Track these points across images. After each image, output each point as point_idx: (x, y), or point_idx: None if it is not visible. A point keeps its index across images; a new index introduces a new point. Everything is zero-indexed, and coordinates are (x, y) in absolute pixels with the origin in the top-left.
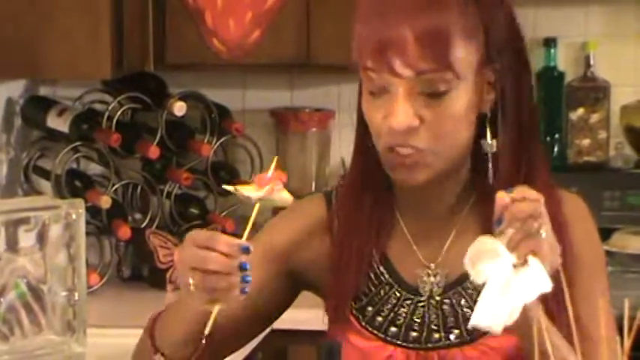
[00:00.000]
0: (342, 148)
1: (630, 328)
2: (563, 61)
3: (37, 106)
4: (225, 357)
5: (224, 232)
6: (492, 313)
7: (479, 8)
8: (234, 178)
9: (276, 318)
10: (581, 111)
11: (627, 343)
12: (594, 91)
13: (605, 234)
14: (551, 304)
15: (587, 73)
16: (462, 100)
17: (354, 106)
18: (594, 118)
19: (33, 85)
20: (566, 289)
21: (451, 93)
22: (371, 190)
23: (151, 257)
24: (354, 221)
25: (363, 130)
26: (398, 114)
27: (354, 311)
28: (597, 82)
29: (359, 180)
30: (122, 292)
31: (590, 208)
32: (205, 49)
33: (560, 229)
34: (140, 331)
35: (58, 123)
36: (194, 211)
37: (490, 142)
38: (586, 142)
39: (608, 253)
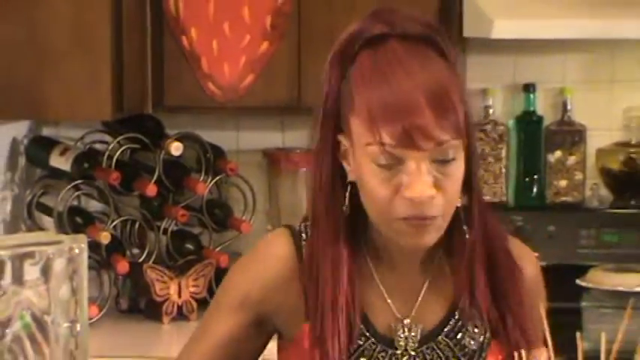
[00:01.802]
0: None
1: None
2: (542, 105)
3: (40, 146)
4: None
5: (218, 267)
6: None
7: (456, 72)
8: (228, 216)
9: None
10: (558, 153)
11: None
12: (571, 135)
13: (581, 270)
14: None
15: (565, 118)
16: (462, 163)
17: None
18: (571, 160)
19: (36, 125)
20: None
21: (458, 160)
22: (346, 245)
23: (148, 290)
24: (332, 277)
25: (331, 190)
26: (418, 186)
27: None
28: (574, 125)
29: (331, 237)
30: (120, 323)
31: (567, 246)
32: (201, 92)
33: (513, 275)
34: None
35: (60, 162)
36: (189, 246)
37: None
38: (563, 182)
39: (585, 289)
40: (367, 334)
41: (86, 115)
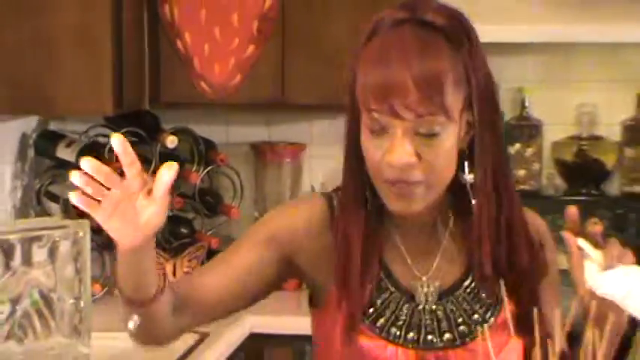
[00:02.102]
0: (312, 176)
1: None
2: (503, 103)
3: (47, 139)
4: (203, 322)
5: (210, 249)
6: None
7: (464, 61)
8: (219, 203)
9: (262, 298)
10: (517, 146)
11: (557, 347)
12: (529, 129)
13: None
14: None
15: (523, 114)
16: (451, 139)
17: (323, 140)
18: (529, 152)
19: (44, 121)
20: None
21: (443, 135)
22: (365, 209)
23: None
24: (357, 236)
25: (355, 159)
26: (397, 152)
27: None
28: (531, 121)
29: (353, 200)
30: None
31: None
32: (194, 90)
33: (532, 247)
34: None
35: (67, 154)
36: (184, 230)
37: (468, 175)
38: (522, 172)
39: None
40: (391, 288)
41: (89, 110)
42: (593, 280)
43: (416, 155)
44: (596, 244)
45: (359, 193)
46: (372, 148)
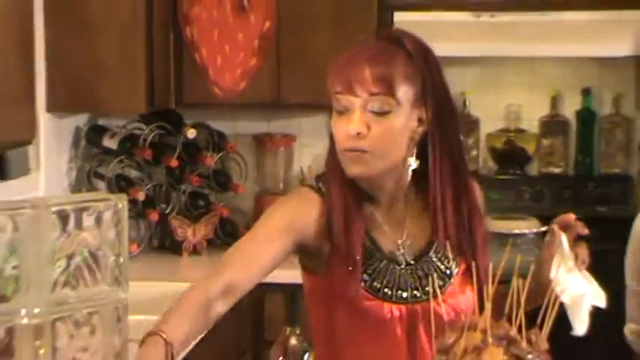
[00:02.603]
0: (302, 161)
1: (493, 281)
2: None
3: (95, 132)
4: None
5: (221, 217)
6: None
7: (419, 66)
8: (229, 181)
9: None
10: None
11: (492, 290)
12: (468, 124)
13: None
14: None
15: (464, 112)
16: (398, 120)
17: (311, 132)
18: (470, 141)
19: (93, 117)
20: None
21: (391, 114)
22: (342, 184)
23: (172, 233)
24: (345, 211)
25: (332, 146)
26: (353, 122)
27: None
28: (471, 117)
29: (332, 177)
30: (152, 256)
31: None
32: (209, 93)
33: (476, 209)
34: (164, 283)
35: (110, 143)
36: (201, 202)
37: (414, 162)
38: None
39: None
40: (378, 255)
41: (128, 109)
42: (555, 274)
43: (366, 127)
44: (573, 242)
45: (337, 174)
46: (336, 126)
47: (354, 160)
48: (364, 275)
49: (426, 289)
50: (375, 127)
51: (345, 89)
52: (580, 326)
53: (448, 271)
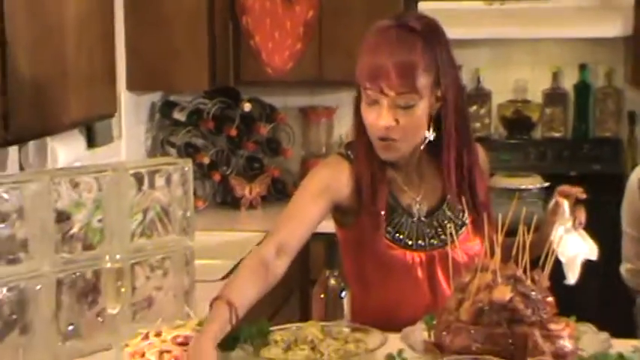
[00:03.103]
0: (340, 129)
1: (502, 229)
2: (465, 79)
3: (168, 107)
4: None
5: (273, 177)
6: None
7: (433, 52)
8: (279, 147)
9: None
10: (475, 107)
11: (501, 237)
12: (482, 96)
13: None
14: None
15: (478, 86)
16: (421, 110)
17: (348, 105)
18: (482, 111)
19: (165, 94)
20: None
21: (415, 106)
22: (369, 152)
23: (232, 191)
24: (371, 175)
25: (359, 122)
26: (383, 118)
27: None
28: (484, 91)
29: (359, 146)
30: (215, 210)
31: None
32: (263, 72)
33: (475, 163)
34: (226, 233)
35: (180, 116)
36: (256, 165)
37: (430, 134)
38: (477, 124)
39: (491, 188)
40: (399, 210)
41: (194, 87)
42: (558, 236)
43: (395, 121)
44: (573, 205)
45: (364, 145)
46: (367, 114)
47: (385, 147)
48: (388, 228)
49: (442, 237)
50: (403, 119)
51: (375, 88)
52: (572, 278)
53: (459, 222)
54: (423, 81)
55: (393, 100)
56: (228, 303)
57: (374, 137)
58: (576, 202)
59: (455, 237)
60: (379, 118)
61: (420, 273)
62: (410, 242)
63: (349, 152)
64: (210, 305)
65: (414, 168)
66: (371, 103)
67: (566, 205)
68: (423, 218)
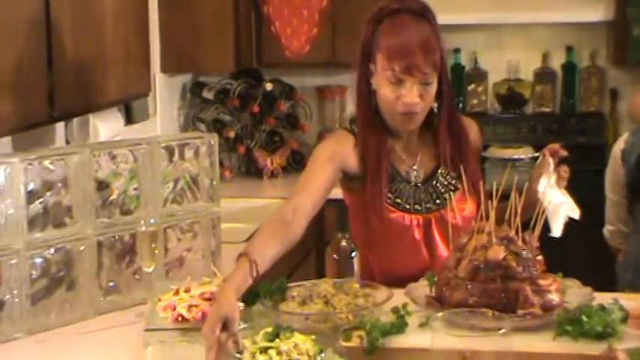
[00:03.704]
0: (351, 106)
1: (497, 195)
2: (464, 60)
3: (197, 87)
4: None
5: (292, 149)
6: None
7: (437, 32)
8: (297, 122)
9: None
10: (473, 86)
11: (495, 202)
12: (479, 75)
13: (485, 148)
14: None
15: (476, 66)
16: (435, 85)
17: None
18: (480, 88)
19: (195, 75)
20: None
21: (433, 83)
22: (373, 126)
23: (255, 162)
24: (374, 146)
25: (366, 98)
26: (411, 96)
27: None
28: (481, 70)
29: (365, 121)
30: (240, 180)
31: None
32: (282, 55)
33: (463, 133)
34: (250, 200)
35: (208, 95)
36: (276, 138)
37: (435, 104)
38: (475, 101)
39: (486, 158)
40: (398, 178)
41: (221, 69)
42: (542, 187)
43: (419, 97)
44: (557, 164)
45: (368, 117)
46: (389, 92)
47: (409, 120)
48: (389, 194)
49: (437, 201)
50: (425, 95)
51: (404, 72)
52: (556, 230)
53: (452, 187)
54: (438, 59)
55: (419, 79)
56: (250, 259)
57: (395, 112)
58: (560, 162)
59: (452, 200)
60: (407, 96)
61: (417, 234)
62: (408, 206)
63: (353, 127)
64: (237, 260)
65: (413, 138)
66: (395, 82)
67: (551, 162)
68: (419, 184)
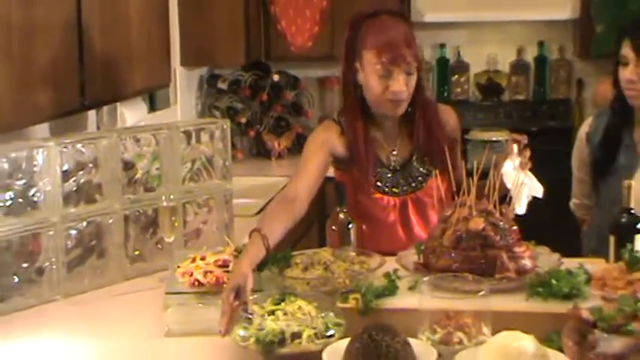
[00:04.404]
0: None
1: (477, 172)
2: (449, 54)
3: (213, 78)
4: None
5: (297, 133)
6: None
7: (412, 31)
8: (301, 109)
9: None
10: (456, 76)
11: (476, 179)
12: (462, 67)
13: (465, 132)
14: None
15: (459, 59)
16: (416, 76)
17: None
18: (463, 79)
19: (211, 68)
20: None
21: (414, 73)
22: (359, 118)
23: (264, 145)
24: (358, 136)
25: (352, 89)
26: (399, 85)
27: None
28: (463, 63)
29: (351, 114)
30: (251, 160)
31: (463, 120)
32: (288, 50)
33: (437, 122)
34: (259, 178)
35: (223, 85)
36: (283, 124)
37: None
38: (458, 89)
39: (469, 140)
40: (379, 163)
41: (233, 62)
42: (507, 170)
43: (405, 86)
44: (521, 149)
45: (354, 110)
46: (377, 84)
47: (396, 105)
48: (371, 177)
49: (412, 185)
50: (409, 84)
51: (392, 63)
52: (520, 208)
53: (427, 172)
54: (417, 51)
55: (404, 69)
56: (262, 234)
57: (384, 100)
58: (524, 148)
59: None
60: (394, 85)
61: (394, 214)
62: (386, 189)
63: (340, 118)
64: (249, 236)
65: (393, 127)
66: (383, 74)
67: (515, 147)
68: (398, 169)
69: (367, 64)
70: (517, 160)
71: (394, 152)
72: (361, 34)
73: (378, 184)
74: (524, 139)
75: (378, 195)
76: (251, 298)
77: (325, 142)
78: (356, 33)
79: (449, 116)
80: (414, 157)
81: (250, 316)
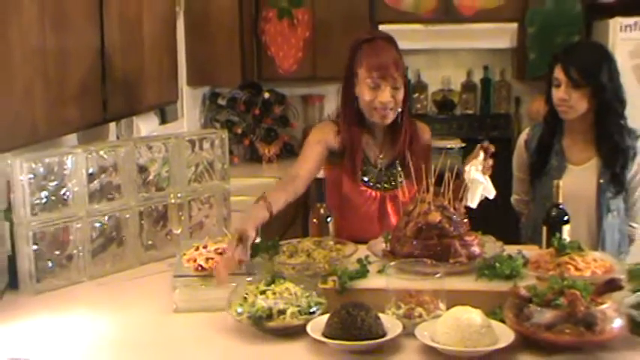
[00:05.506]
0: (328, 110)
1: (435, 174)
2: (410, 75)
3: (214, 96)
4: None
5: (284, 141)
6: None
7: (400, 53)
8: (288, 121)
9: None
10: (416, 94)
11: (433, 180)
12: (421, 87)
13: None
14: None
15: (419, 80)
16: (402, 92)
17: (333, 94)
18: (422, 97)
19: (212, 87)
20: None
21: (401, 87)
22: (355, 124)
23: (257, 151)
24: (354, 138)
25: (349, 100)
26: (385, 96)
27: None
28: (422, 83)
29: (349, 120)
30: (246, 164)
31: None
32: (276, 72)
33: (416, 135)
34: (252, 179)
35: (222, 102)
36: (272, 134)
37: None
38: (418, 105)
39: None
40: (367, 162)
41: (231, 82)
42: (471, 172)
43: (392, 97)
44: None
45: (352, 117)
46: (368, 95)
47: (385, 115)
48: (359, 172)
49: (392, 183)
50: (395, 97)
51: (380, 77)
52: (471, 202)
53: (404, 174)
54: (402, 70)
55: (390, 84)
56: (267, 201)
57: (373, 109)
58: (491, 156)
59: (403, 184)
60: (382, 97)
61: (373, 206)
62: (371, 184)
63: (338, 120)
64: (256, 202)
65: (381, 133)
66: (374, 88)
67: (482, 154)
68: (382, 169)
69: (361, 79)
70: (480, 166)
71: (381, 156)
72: (358, 55)
73: (365, 178)
74: (492, 149)
75: (363, 188)
76: (247, 279)
77: (323, 137)
78: (354, 54)
79: (424, 132)
80: (397, 162)
81: (250, 279)
